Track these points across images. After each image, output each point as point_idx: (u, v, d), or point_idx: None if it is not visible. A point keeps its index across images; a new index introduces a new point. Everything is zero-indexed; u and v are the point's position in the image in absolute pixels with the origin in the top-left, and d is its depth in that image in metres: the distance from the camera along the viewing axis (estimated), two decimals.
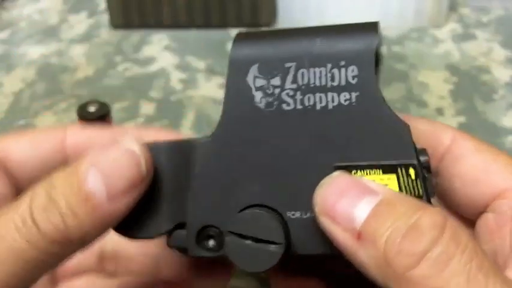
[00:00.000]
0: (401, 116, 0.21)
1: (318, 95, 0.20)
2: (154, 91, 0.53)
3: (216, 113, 0.49)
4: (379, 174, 0.20)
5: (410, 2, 0.59)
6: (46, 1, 0.69)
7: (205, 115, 0.49)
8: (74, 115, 0.50)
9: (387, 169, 0.20)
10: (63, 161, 0.24)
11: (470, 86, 0.53)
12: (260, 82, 0.20)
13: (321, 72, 0.20)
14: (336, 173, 0.20)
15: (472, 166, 0.22)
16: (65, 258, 0.19)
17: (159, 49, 0.59)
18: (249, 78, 0.20)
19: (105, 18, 0.64)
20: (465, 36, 0.59)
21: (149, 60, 0.58)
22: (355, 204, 0.19)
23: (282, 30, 0.21)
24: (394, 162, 0.20)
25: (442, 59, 0.56)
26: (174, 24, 0.61)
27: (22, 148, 0.25)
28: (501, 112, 0.49)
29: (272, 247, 0.19)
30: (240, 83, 0.20)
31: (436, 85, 0.53)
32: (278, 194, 0.20)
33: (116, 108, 0.50)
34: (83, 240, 0.19)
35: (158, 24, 0.61)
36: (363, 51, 0.20)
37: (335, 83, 0.20)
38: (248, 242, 0.19)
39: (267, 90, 0.20)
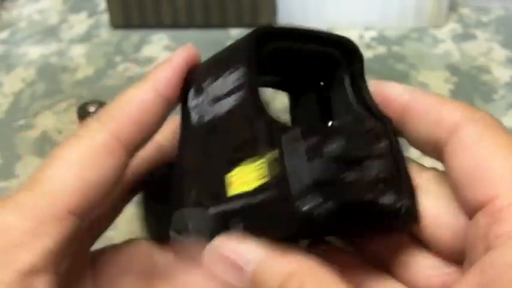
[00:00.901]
0: (403, 86, 0.24)
1: (218, 103, 0.22)
2: None
3: None
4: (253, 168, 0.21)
5: (410, 2, 0.59)
6: (46, 1, 0.69)
7: None
8: (74, 115, 0.50)
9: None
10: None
11: (470, 86, 0.53)
12: (193, 102, 0.24)
13: (220, 82, 0.22)
14: (215, 241, 0.21)
15: (468, 162, 0.21)
16: None
17: (159, 49, 0.59)
18: (189, 100, 0.24)
19: (105, 18, 0.64)
20: (465, 36, 0.59)
21: (149, 60, 0.58)
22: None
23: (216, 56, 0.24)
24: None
25: (442, 59, 0.56)
26: (174, 24, 0.61)
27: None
28: (501, 112, 0.49)
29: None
30: (185, 106, 0.24)
31: (436, 85, 0.53)
32: (206, 194, 0.22)
33: None
34: None
35: (158, 24, 0.61)
36: (240, 54, 0.22)
37: (226, 90, 0.22)
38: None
39: (196, 108, 0.23)
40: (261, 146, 0.20)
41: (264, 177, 0.20)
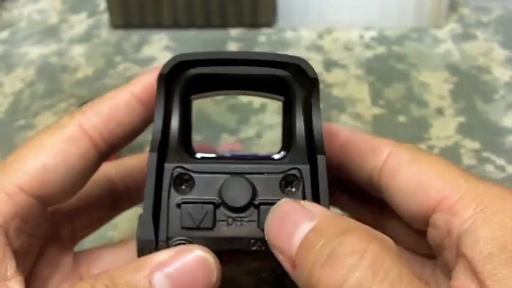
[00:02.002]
0: (341, 128, 0.26)
1: None
2: None
3: (216, 113, 0.49)
4: None
5: (410, 2, 0.59)
6: (46, 1, 0.69)
7: (206, 115, 0.49)
8: None
9: None
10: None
11: (470, 86, 0.53)
12: None
13: None
14: (282, 200, 0.21)
15: (406, 180, 0.22)
16: None
17: (159, 49, 0.59)
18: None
19: (105, 18, 0.64)
20: (465, 36, 0.59)
21: (149, 60, 0.58)
22: (293, 232, 0.19)
23: None
24: None
25: (442, 59, 0.56)
26: (174, 24, 0.61)
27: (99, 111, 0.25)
28: (501, 112, 0.49)
29: None
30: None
31: (436, 85, 0.53)
32: None
33: None
34: None
35: (158, 24, 0.61)
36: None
37: None
38: None
39: None
40: None
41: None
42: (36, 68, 0.58)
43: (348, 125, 0.48)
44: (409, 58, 0.56)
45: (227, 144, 0.47)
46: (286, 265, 0.19)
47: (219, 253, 0.21)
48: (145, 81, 0.24)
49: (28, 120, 0.51)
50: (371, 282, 0.17)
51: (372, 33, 0.60)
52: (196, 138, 0.46)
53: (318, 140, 0.22)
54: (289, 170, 0.22)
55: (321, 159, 0.22)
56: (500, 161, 0.45)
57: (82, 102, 0.51)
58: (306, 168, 0.22)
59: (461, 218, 0.20)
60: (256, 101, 0.51)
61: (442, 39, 0.59)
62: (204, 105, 0.51)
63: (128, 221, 0.32)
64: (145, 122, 0.25)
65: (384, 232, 0.27)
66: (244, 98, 0.51)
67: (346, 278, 0.17)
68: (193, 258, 0.19)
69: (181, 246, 0.20)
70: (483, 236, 0.19)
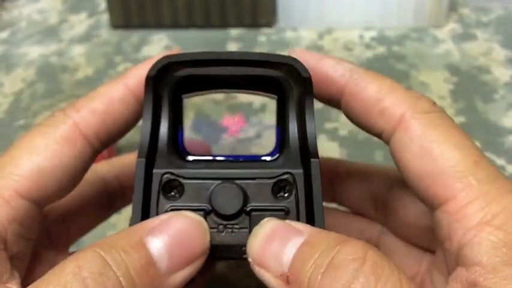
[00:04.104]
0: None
1: None
2: None
3: (216, 113, 0.49)
4: None
5: (410, 2, 0.59)
6: (46, 1, 0.69)
7: (205, 115, 0.49)
8: None
9: None
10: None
11: (470, 86, 0.53)
12: None
13: None
14: (265, 220, 0.20)
15: (415, 164, 0.21)
16: None
17: (159, 49, 0.59)
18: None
19: (105, 18, 0.64)
20: (465, 36, 0.59)
21: None
22: (282, 249, 0.19)
23: None
24: None
25: (442, 59, 0.56)
26: (174, 24, 0.61)
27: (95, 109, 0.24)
28: (501, 112, 0.49)
29: None
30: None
31: (436, 85, 0.53)
32: None
33: None
34: None
35: (158, 24, 0.61)
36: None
37: None
38: None
39: None
40: None
41: None
42: (36, 68, 0.57)
43: (348, 124, 0.48)
44: (409, 58, 0.56)
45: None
46: (276, 283, 0.19)
47: (211, 261, 0.20)
48: (140, 74, 0.23)
49: (28, 120, 0.51)
50: (374, 286, 0.17)
51: (372, 33, 0.60)
52: (197, 138, 0.47)
53: (312, 143, 0.22)
54: (281, 174, 0.22)
55: (314, 164, 0.21)
56: (500, 161, 0.45)
57: None
58: (299, 173, 0.22)
59: (465, 227, 0.19)
60: (256, 101, 0.51)
61: (442, 39, 0.59)
62: (204, 106, 0.51)
63: (126, 221, 0.31)
64: (139, 115, 0.24)
65: (385, 221, 0.27)
66: (244, 98, 0.51)
67: (351, 284, 0.17)
68: (186, 220, 0.20)
69: (171, 212, 0.20)
70: (486, 251, 0.18)
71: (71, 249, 0.28)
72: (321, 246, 0.18)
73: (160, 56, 0.23)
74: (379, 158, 0.45)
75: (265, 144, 0.47)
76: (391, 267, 0.17)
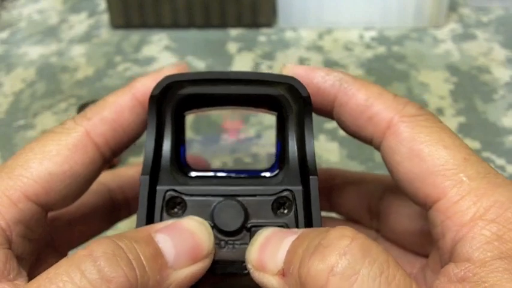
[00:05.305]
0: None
1: None
2: None
3: (216, 113, 0.49)
4: None
5: (410, 2, 0.59)
6: (46, 1, 0.69)
7: (205, 115, 0.49)
8: (74, 115, 0.50)
9: None
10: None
11: (470, 86, 0.53)
12: None
13: None
14: (261, 230, 0.21)
15: (404, 167, 0.21)
16: None
17: (159, 49, 0.59)
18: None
19: (105, 18, 0.64)
20: (465, 36, 0.59)
21: (149, 60, 0.58)
22: (277, 248, 0.20)
23: None
24: None
25: (442, 59, 0.56)
26: (174, 24, 0.61)
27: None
28: (501, 112, 0.49)
29: None
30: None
31: (436, 85, 0.53)
32: None
33: None
34: None
35: (158, 24, 0.61)
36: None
37: None
38: None
39: None
40: None
41: None
42: (36, 68, 0.58)
43: None
44: (409, 58, 0.56)
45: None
46: (275, 280, 0.19)
47: (212, 276, 0.21)
48: (147, 84, 0.24)
49: (28, 120, 0.51)
50: (361, 264, 0.17)
51: (372, 33, 0.60)
52: (196, 138, 0.47)
53: (310, 160, 0.22)
54: (281, 191, 0.22)
55: (313, 181, 0.22)
56: (500, 161, 0.45)
57: (81, 103, 0.51)
58: (298, 189, 0.22)
59: (458, 223, 0.19)
60: None
61: (442, 39, 0.59)
62: None
63: (126, 223, 0.32)
64: (146, 125, 0.25)
65: (379, 228, 0.27)
66: None
67: (337, 262, 0.17)
68: (191, 221, 0.20)
69: (176, 218, 0.21)
70: (478, 247, 0.18)
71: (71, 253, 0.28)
72: (311, 235, 0.19)
73: (167, 71, 0.23)
74: (378, 158, 0.45)
75: (265, 144, 0.47)
76: (379, 249, 0.18)
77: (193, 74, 0.23)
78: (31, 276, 0.23)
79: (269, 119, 0.49)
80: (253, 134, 0.48)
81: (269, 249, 0.20)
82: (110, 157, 0.24)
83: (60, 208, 0.23)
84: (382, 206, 0.27)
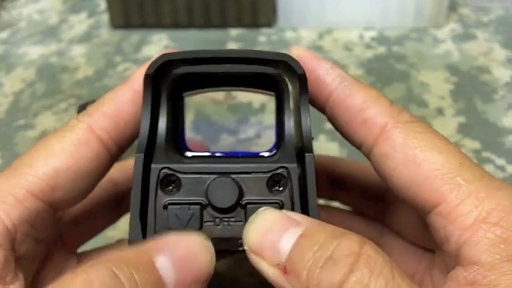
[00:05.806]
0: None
1: None
2: None
3: (216, 113, 0.49)
4: None
5: (410, 2, 0.59)
6: (46, 1, 0.69)
7: (205, 115, 0.49)
8: (74, 115, 0.50)
9: None
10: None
11: (470, 86, 0.53)
12: None
13: None
14: (262, 209, 0.21)
15: (399, 173, 0.21)
16: None
17: (159, 49, 0.59)
18: None
19: (105, 18, 0.64)
20: (465, 36, 0.59)
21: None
22: (279, 238, 0.19)
23: None
24: None
25: (442, 59, 0.56)
26: (174, 24, 0.61)
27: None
28: (501, 112, 0.49)
29: None
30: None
31: (436, 85, 0.53)
32: None
33: None
34: None
35: (158, 24, 0.61)
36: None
37: None
38: None
39: None
40: None
41: None
42: (36, 68, 0.58)
43: None
44: (409, 58, 0.56)
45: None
46: (271, 271, 0.19)
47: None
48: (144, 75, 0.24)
49: (28, 120, 0.51)
50: (368, 278, 0.18)
51: (372, 33, 0.60)
52: (196, 138, 0.47)
53: (306, 137, 0.22)
54: (276, 169, 0.22)
55: (308, 158, 0.21)
56: (500, 161, 0.45)
57: (82, 102, 0.51)
58: (293, 167, 0.22)
59: (461, 227, 0.19)
60: (256, 101, 0.51)
61: (442, 39, 0.59)
62: (204, 105, 0.51)
63: (127, 222, 0.32)
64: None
65: (385, 220, 0.27)
66: (244, 98, 0.51)
67: (347, 277, 0.18)
68: (193, 241, 0.20)
69: (178, 234, 0.21)
70: (485, 250, 0.18)
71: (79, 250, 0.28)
72: (319, 239, 0.19)
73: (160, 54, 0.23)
74: None
75: (265, 144, 0.47)
76: (384, 259, 0.18)
77: (189, 52, 0.23)
78: (39, 275, 0.23)
79: (269, 118, 0.49)
80: (253, 134, 0.48)
81: (270, 236, 0.19)
82: (116, 152, 0.24)
83: (68, 207, 0.23)
84: (388, 199, 0.27)
